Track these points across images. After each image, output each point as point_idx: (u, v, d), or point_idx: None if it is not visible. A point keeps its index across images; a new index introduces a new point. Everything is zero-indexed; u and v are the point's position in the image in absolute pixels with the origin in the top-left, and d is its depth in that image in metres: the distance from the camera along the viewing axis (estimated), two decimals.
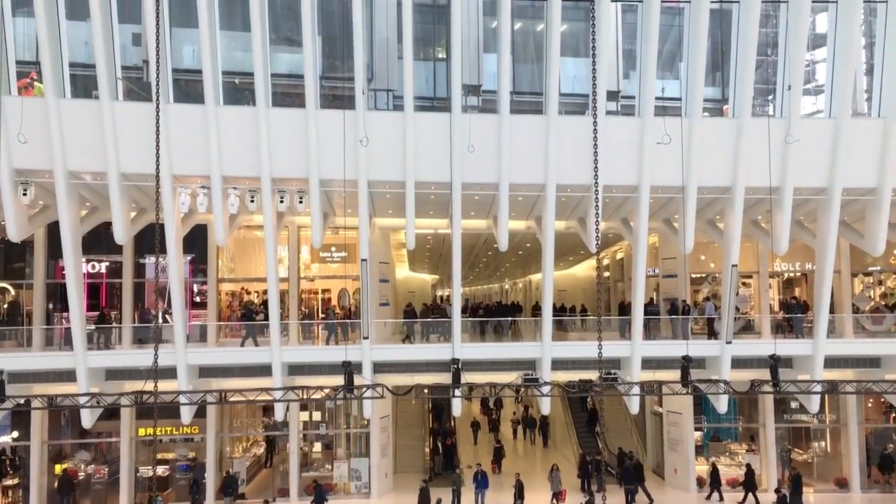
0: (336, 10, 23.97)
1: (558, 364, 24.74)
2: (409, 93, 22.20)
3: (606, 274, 38.68)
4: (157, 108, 19.09)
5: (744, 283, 30.25)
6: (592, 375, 24.85)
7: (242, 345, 24.92)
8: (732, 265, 24.14)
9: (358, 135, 22.04)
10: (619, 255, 37.34)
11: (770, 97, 25.56)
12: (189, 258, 27.48)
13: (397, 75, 24.09)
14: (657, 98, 23.05)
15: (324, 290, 30.66)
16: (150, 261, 27.40)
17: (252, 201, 22.91)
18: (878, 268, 30.92)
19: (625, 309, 27.42)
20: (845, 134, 22.98)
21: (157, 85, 19.34)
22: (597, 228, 20.39)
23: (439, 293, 65.55)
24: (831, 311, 25.75)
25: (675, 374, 23.18)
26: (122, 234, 22.62)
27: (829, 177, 23.45)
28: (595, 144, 18.91)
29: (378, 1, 24.41)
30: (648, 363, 24.85)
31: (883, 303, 29.92)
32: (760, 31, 22.84)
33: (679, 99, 24.40)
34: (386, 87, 24.73)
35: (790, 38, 22.69)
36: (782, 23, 23.53)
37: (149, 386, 19.17)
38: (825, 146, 23.24)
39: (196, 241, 27.23)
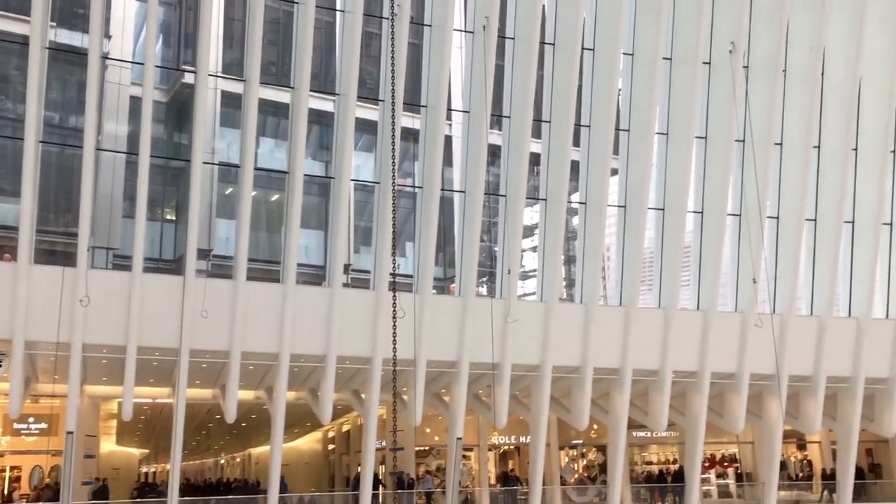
0: (53, 161, 22.67)
1: None
2: (139, 253, 21.13)
3: (332, 447, 37.94)
4: None
5: (465, 456, 31.12)
6: None
7: None
8: (457, 438, 24.87)
9: (77, 294, 20.30)
10: (346, 428, 36.96)
11: (485, 279, 27.69)
12: None
13: (119, 233, 23.08)
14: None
15: (13, 468, 26.71)
16: None
17: None
18: (581, 441, 33.50)
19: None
20: (555, 316, 25.19)
21: None
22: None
23: (145, 469, 60.04)
24: (543, 483, 27.19)
25: None
26: None
27: (541, 355, 25.34)
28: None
29: (104, 156, 23.41)
30: None
31: (586, 475, 32.27)
32: (483, 221, 25.03)
33: (411, 276, 25.60)
34: (106, 245, 23.35)
35: (508, 228, 25.09)
36: (500, 212, 25.95)
37: None
38: (538, 326, 25.25)
39: None
